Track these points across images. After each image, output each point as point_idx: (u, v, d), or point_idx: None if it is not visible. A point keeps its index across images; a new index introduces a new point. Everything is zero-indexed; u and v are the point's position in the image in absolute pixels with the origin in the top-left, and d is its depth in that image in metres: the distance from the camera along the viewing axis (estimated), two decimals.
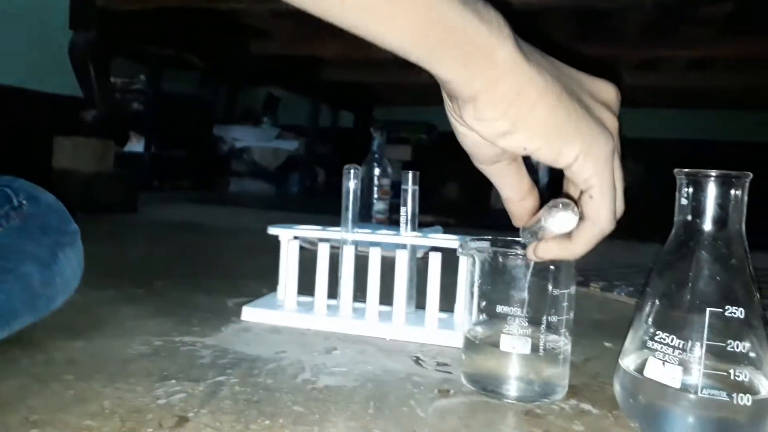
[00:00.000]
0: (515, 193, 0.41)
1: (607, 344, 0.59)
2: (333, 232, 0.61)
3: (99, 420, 0.37)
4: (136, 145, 2.45)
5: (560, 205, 0.37)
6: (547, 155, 0.36)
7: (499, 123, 0.35)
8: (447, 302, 0.60)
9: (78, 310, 0.60)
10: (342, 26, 0.33)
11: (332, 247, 0.61)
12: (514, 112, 0.34)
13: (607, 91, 0.39)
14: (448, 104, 0.38)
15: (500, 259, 0.44)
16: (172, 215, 1.69)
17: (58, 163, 1.61)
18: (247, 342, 0.54)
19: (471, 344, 0.46)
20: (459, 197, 3.00)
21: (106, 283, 0.73)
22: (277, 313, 0.61)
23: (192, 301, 0.68)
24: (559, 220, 0.37)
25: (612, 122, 0.38)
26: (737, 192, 0.37)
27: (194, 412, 0.38)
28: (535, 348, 0.43)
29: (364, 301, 0.60)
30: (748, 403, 0.35)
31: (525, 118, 0.35)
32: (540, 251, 0.40)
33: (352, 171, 0.59)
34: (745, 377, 0.36)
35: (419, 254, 0.70)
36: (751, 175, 0.37)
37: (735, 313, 0.36)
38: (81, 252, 0.58)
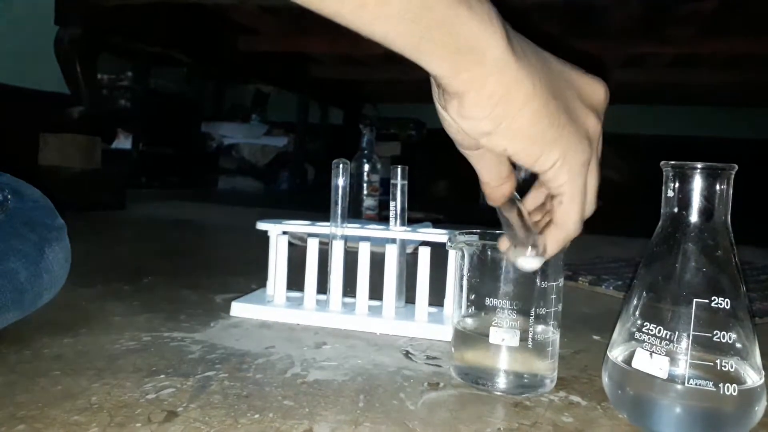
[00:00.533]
0: (494, 179, 0.41)
1: (595, 337, 0.59)
2: (322, 227, 0.61)
3: (87, 415, 0.36)
4: (123, 141, 2.44)
5: (530, 249, 0.40)
6: (525, 159, 0.36)
7: (483, 123, 0.34)
8: (436, 297, 0.60)
9: (65, 306, 0.60)
10: (324, 14, 0.32)
11: (321, 243, 0.61)
12: (499, 113, 0.34)
13: (596, 93, 0.38)
14: (435, 90, 0.37)
15: (489, 252, 0.44)
16: (161, 212, 1.68)
17: (44, 160, 1.60)
18: (236, 337, 0.54)
19: (460, 337, 0.46)
20: (449, 193, 3.01)
21: (94, 279, 0.73)
22: (267, 309, 0.61)
23: (180, 297, 0.68)
24: (527, 262, 0.41)
25: (595, 127, 0.38)
26: (723, 184, 0.37)
27: (183, 406, 0.38)
28: (523, 340, 0.43)
29: (354, 296, 0.60)
30: (735, 393, 0.36)
31: (509, 121, 0.34)
32: (512, 256, 0.42)
33: (341, 165, 0.59)
34: (732, 367, 0.36)
35: (409, 250, 0.70)
36: (736, 167, 0.37)
37: (721, 304, 0.37)
38: (68, 247, 0.58)
